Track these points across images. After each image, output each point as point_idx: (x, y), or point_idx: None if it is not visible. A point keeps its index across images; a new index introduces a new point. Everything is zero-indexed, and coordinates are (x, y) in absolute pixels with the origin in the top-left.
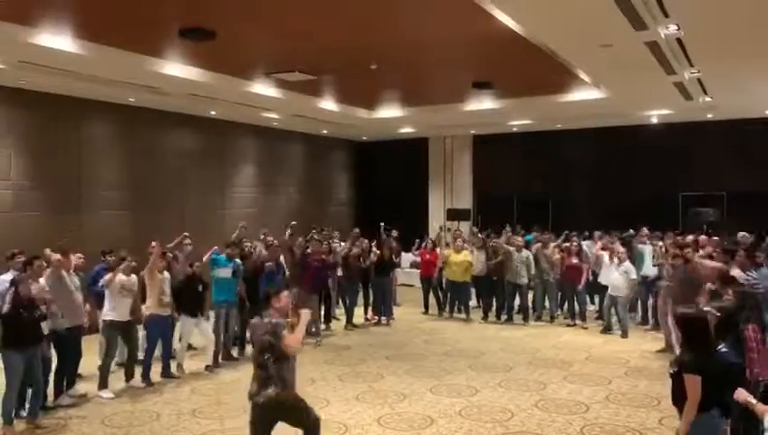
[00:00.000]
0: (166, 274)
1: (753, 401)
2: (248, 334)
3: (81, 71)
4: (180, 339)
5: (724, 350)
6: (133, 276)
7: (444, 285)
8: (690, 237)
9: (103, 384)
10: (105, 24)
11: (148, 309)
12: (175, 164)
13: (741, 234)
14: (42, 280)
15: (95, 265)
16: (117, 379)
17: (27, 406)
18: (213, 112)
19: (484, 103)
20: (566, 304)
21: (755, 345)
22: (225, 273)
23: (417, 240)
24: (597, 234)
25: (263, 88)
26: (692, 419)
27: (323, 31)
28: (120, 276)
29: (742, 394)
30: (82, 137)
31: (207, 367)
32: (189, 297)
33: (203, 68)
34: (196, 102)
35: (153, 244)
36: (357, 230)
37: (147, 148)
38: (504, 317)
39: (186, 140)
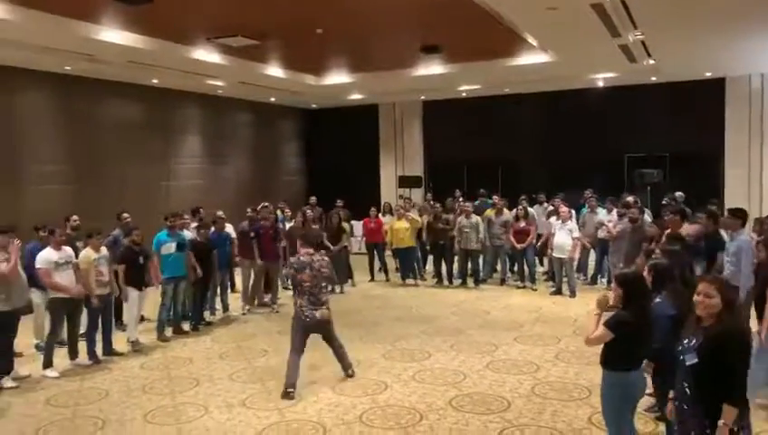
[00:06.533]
0: (103, 250)
1: None
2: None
3: (11, 37)
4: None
5: (658, 300)
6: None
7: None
8: (631, 198)
9: (48, 363)
10: None
11: None
12: (116, 135)
13: (677, 193)
14: None
15: (30, 241)
16: (60, 357)
17: None
18: (155, 81)
19: (432, 68)
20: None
21: None
22: (167, 249)
23: (373, 208)
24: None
25: (205, 54)
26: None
27: None
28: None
29: None
30: (16, 108)
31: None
32: (131, 270)
33: (141, 34)
34: (137, 70)
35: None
36: (314, 198)
37: (86, 118)
38: (456, 281)
39: (127, 110)
